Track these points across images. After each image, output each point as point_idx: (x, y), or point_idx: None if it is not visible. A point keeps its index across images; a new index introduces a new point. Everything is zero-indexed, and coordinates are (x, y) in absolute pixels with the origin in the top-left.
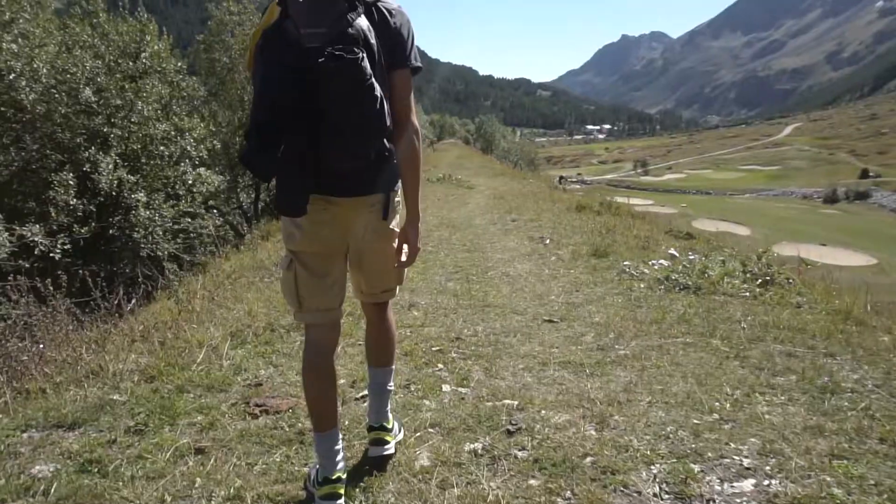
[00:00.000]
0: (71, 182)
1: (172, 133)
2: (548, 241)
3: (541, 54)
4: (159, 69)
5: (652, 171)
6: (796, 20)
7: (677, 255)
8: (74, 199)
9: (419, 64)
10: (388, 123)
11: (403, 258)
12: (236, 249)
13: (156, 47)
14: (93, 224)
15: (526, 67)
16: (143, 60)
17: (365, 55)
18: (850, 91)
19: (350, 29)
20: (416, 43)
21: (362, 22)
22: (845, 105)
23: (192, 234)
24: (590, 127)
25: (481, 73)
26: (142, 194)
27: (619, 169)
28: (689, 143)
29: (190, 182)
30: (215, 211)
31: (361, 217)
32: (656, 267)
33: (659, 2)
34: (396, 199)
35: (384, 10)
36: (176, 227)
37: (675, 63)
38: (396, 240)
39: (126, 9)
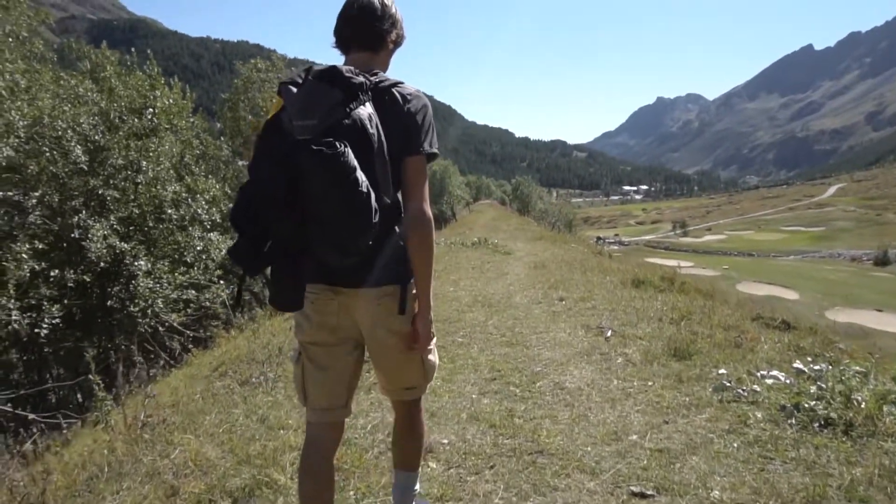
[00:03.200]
0: (24, 255)
1: (184, 195)
2: (609, 333)
3: (576, 116)
4: (167, 125)
5: (691, 231)
6: (834, 81)
7: (804, 368)
8: (56, 271)
9: (434, 150)
10: (375, 219)
11: (411, 346)
12: (252, 322)
13: (167, 102)
14: (66, 301)
15: (561, 129)
16: (149, 117)
17: (348, 149)
18: (893, 151)
19: (346, 120)
20: (433, 128)
21: (363, 111)
22: (889, 165)
23: (201, 306)
24: (626, 187)
25: (517, 135)
26: (143, 262)
27: (658, 230)
28: (729, 203)
29: (199, 248)
30: (233, 277)
31: (369, 310)
32: (769, 382)
33: (694, 65)
34: (412, 292)
35: (398, 95)
36: (182, 297)
37: (711, 124)
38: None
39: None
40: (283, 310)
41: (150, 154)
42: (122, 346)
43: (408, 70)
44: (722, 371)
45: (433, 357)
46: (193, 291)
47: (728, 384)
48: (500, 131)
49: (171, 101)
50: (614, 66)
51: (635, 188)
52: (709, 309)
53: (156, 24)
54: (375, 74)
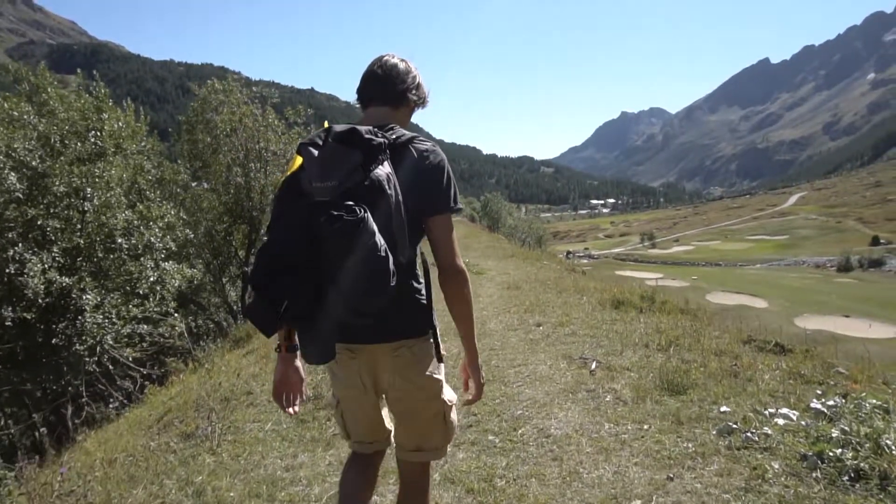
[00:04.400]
0: None
1: (136, 222)
2: (594, 366)
3: (543, 132)
4: (114, 149)
5: (659, 243)
6: (791, 93)
7: (823, 409)
8: None
9: (460, 206)
10: (392, 283)
11: (467, 395)
12: (209, 358)
13: (117, 125)
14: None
15: (528, 145)
16: (92, 140)
17: (368, 214)
18: (850, 160)
19: (365, 181)
20: (453, 181)
21: (381, 171)
22: (847, 173)
23: (156, 341)
24: (594, 201)
25: (485, 151)
26: (91, 295)
27: (626, 242)
28: (695, 214)
29: (153, 279)
30: (193, 307)
31: (387, 363)
32: (780, 423)
33: (656, 80)
34: (429, 343)
35: (415, 151)
36: (137, 331)
37: (674, 137)
38: (433, 388)
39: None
40: (312, 363)
41: (97, 180)
42: (70, 388)
43: None
44: (724, 409)
45: (454, 416)
46: (145, 326)
47: (734, 426)
48: (468, 149)
49: (120, 123)
50: (578, 81)
51: (603, 202)
52: (696, 332)
53: (118, 48)
54: (392, 129)
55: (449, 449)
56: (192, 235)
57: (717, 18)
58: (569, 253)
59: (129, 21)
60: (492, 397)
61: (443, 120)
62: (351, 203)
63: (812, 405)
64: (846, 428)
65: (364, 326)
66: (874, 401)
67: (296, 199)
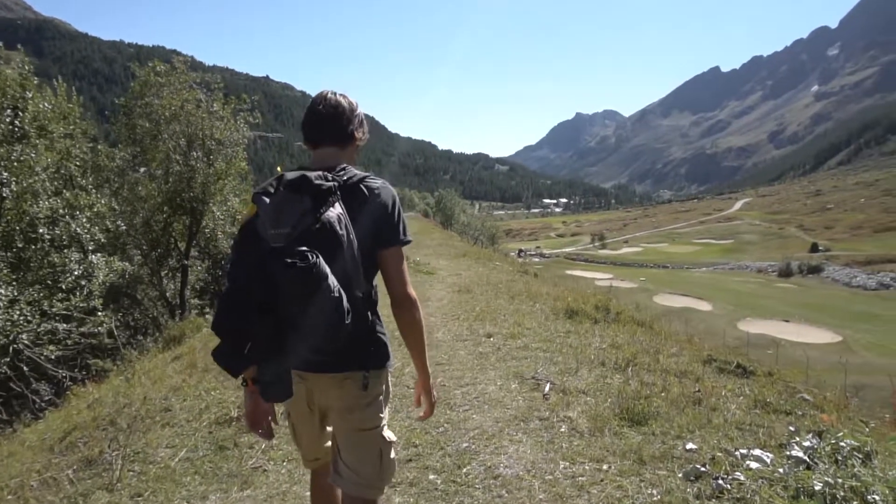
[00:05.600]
0: None
1: (62, 211)
2: (548, 388)
3: (498, 130)
4: (36, 132)
5: (609, 244)
6: (739, 101)
7: (800, 453)
8: None
9: (409, 239)
10: (348, 321)
11: (420, 413)
12: (138, 358)
13: (43, 106)
14: None
15: (484, 143)
16: (7, 121)
17: (320, 259)
18: (793, 168)
19: (316, 225)
20: (402, 216)
21: (332, 213)
22: (790, 181)
23: (78, 341)
24: (547, 200)
25: (440, 147)
26: (4, 290)
27: (577, 242)
28: (644, 216)
29: (77, 272)
30: (126, 301)
31: (333, 392)
32: (754, 467)
33: (611, 82)
34: (379, 378)
35: (366, 190)
36: (56, 329)
37: (627, 140)
38: (374, 420)
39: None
40: (273, 401)
41: (16, 164)
42: None
43: (329, 83)
44: (690, 446)
45: (393, 455)
46: (64, 325)
47: (703, 469)
48: (424, 143)
49: (46, 104)
50: (535, 81)
51: (555, 201)
52: (653, 349)
53: (64, 25)
54: (344, 170)
55: (386, 490)
56: (125, 226)
57: (670, 25)
58: (521, 251)
59: None
60: (436, 424)
61: (399, 114)
62: (304, 249)
63: (792, 453)
64: (830, 480)
65: (319, 360)
66: (852, 441)
67: (254, 245)
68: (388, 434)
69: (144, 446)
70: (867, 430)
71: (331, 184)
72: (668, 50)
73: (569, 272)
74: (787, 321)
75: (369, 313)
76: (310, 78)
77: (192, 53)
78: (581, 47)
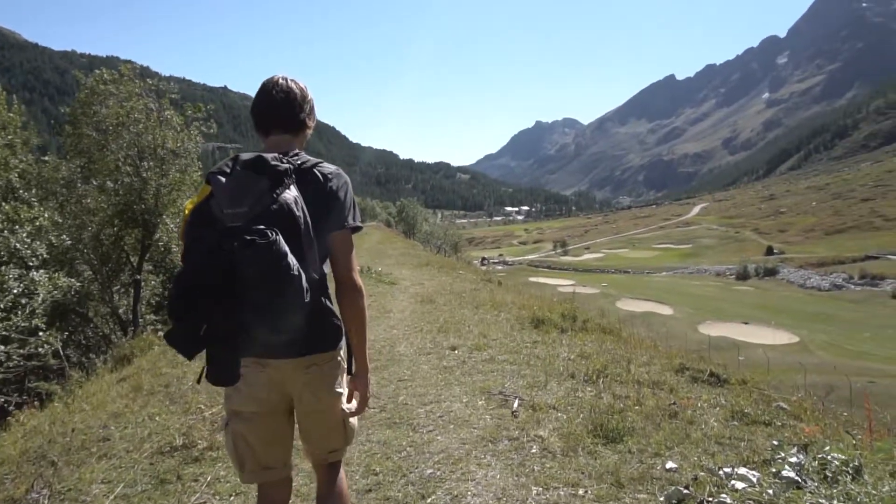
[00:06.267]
0: None
1: None
2: (517, 405)
3: (459, 139)
4: None
5: (571, 250)
6: (694, 109)
7: (791, 473)
8: None
9: (358, 224)
10: (307, 299)
11: (353, 406)
12: (87, 378)
13: None
14: None
15: (445, 151)
16: None
17: (279, 237)
18: (746, 174)
19: (274, 205)
20: (355, 202)
21: (288, 195)
22: (744, 186)
23: (22, 362)
24: (509, 208)
25: (402, 156)
26: None
27: (540, 249)
28: (605, 223)
29: (17, 291)
30: (76, 318)
31: (299, 378)
32: (740, 487)
33: (570, 91)
34: (337, 359)
35: (320, 175)
36: None
37: (586, 147)
38: (341, 399)
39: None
40: (220, 385)
41: None
42: None
43: None
44: (670, 465)
45: (354, 420)
46: (2, 346)
47: (685, 491)
48: (385, 153)
49: None
50: (495, 90)
51: (517, 209)
52: (624, 358)
53: (13, 35)
54: (297, 155)
55: None
56: (70, 241)
57: (626, 35)
58: (484, 259)
59: (26, 7)
60: (398, 448)
61: (361, 124)
62: (262, 227)
63: (783, 473)
64: (823, 502)
65: (279, 343)
66: (839, 455)
67: (207, 227)
68: (347, 405)
69: (77, 482)
70: (854, 442)
71: (287, 166)
72: (624, 58)
73: (532, 279)
74: (746, 323)
75: (325, 297)
76: None
77: (148, 64)
78: (540, 56)
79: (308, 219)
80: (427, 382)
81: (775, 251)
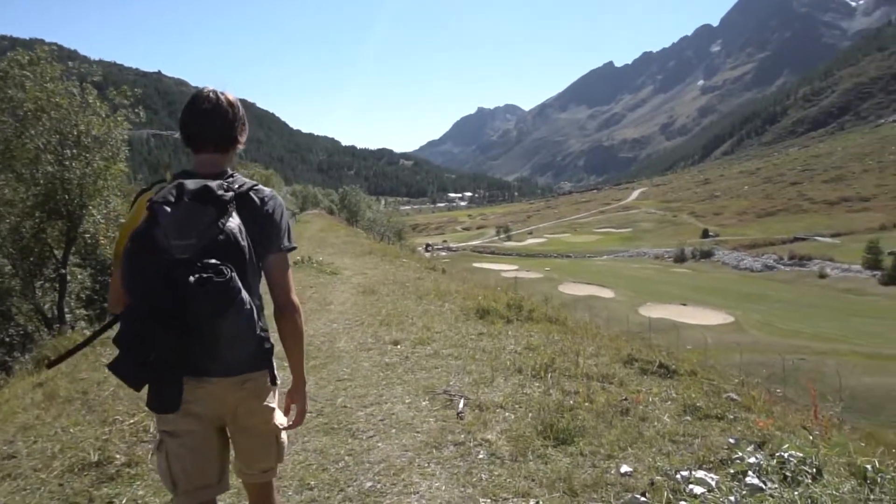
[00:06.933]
0: None
1: None
2: (462, 405)
3: (402, 126)
4: None
5: (514, 236)
6: (632, 95)
7: (754, 480)
8: None
9: (294, 245)
10: (258, 332)
11: (289, 421)
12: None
13: None
14: None
15: (388, 138)
16: None
17: (234, 273)
18: (683, 159)
19: (220, 235)
20: (289, 224)
21: (233, 223)
22: (681, 171)
23: None
24: (452, 195)
25: (344, 143)
26: None
27: (483, 235)
28: (547, 208)
29: None
30: None
31: (233, 395)
32: (698, 492)
33: (511, 77)
34: (265, 374)
35: (257, 199)
36: None
37: (528, 133)
38: (274, 413)
39: None
40: (162, 412)
41: None
42: None
43: (226, 77)
44: (625, 469)
45: (284, 437)
46: None
47: (642, 499)
48: (327, 140)
49: None
50: (437, 77)
51: (461, 195)
52: (571, 350)
53: None
54: (232, 177)
55: None
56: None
57: (566, 21)
58: (428, 246)
59: None
60: (335, 457)
61: (300, 111)
62: (216, 262)
63: (746, 480)
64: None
65: (222, 367)
66: (796, 452)
67: (152, 256)
68: (280, 418)
69: None
70: (810, 437)
71: (231, 194)
72: (564, 45)
73: (476, 265)
74: (684, 305)
75: (259, 318)
76: (205, 74)
77: (76, 47)
78: (481, 43)
79: (250, 244)
80: (368, 382)
81: (711, 234)
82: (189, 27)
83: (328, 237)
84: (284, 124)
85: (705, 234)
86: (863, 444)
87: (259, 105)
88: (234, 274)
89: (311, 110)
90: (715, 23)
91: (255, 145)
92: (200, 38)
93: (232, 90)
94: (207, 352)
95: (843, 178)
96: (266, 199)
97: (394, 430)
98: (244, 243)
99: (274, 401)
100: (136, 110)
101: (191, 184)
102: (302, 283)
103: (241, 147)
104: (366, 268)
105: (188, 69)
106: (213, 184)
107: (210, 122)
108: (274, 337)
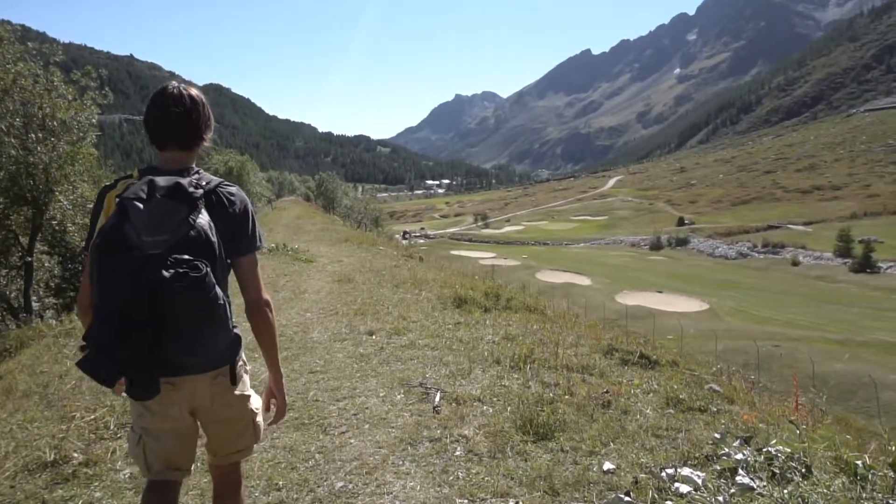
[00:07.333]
0: None
1: None
2: (438, 399)
3: (379, 112)
4: None
5: (492, 223)
6: (609, 83)
7: (744, 478)
8: None
9: (264, 244)
10: (231, 325)
11: (269, 417)
12: None
13: None
14: None
15: (365, 124)
16: None
17: (209, 268)
18: (659, 147)
19: (192, 231)
20: (256, 222)
21: (203, 220)
22: (657, 159)
23: None
24: (429, 182)
25: (321, 129)
26: None
27: (461, 222)
28: (525, 195)
29: None
30: None
31: (206, 390)
32: (685, 490)
33: (489, 64)
34: (240, 364)
35: (224, 197)
36: None
37: (505, 121)
38: (249, 400)
39: None
40: (143, 399)
41: None
42: None
43: (200, 63)
44: (608, 466)
45: (261, 419)
46: None
47: (626, 498)
48: (304, 126)
49: None
50: (415, 63)
51: (438, 182)
52: (551, 341)
53: None
54: (199, 174)
55: None
56: None
57: (543, 10)
58: (405, 233)
59: None
60: (305, 455)
61: (276, 96)
62: (190, 258)
63: (737, 479)
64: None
65: (195, 363)
66: (784, 448)
67: (124, 252)
68: (255, 402)
69: None
70: (797, 431)
71: (201, 191)
72: (542, 32)
73: (454, 252)
74: (660, 292)
75: (231, 313)
76: (178, 56)
77: (44, 29)
78: (459, 30)
79: (220, 242)
80: (341, 374)
81: (686, 222)
82: (163, 11)
83: (304, 224)
84: (260, 110)
85: (681, 221)
86: (849, 437)
87: (234, 90)
88: (209, 269)
89: (287, 96)
90: (691, 12)
91: (231, 131)
92: (174, 22)
93: (206, 75)
94: (181, 349)
95: (815, 167)
96: (232, 196)
97: (367, 426)
98: (214, 239)
99: (247, 387)
100: (103, 91)
101: (162, 181)
102: (276, 271)
103: (206, 144)
104: (342, 255)
105: (161, 53)
106: (184, 181)
107: (174, 120)
108: (244, 327)
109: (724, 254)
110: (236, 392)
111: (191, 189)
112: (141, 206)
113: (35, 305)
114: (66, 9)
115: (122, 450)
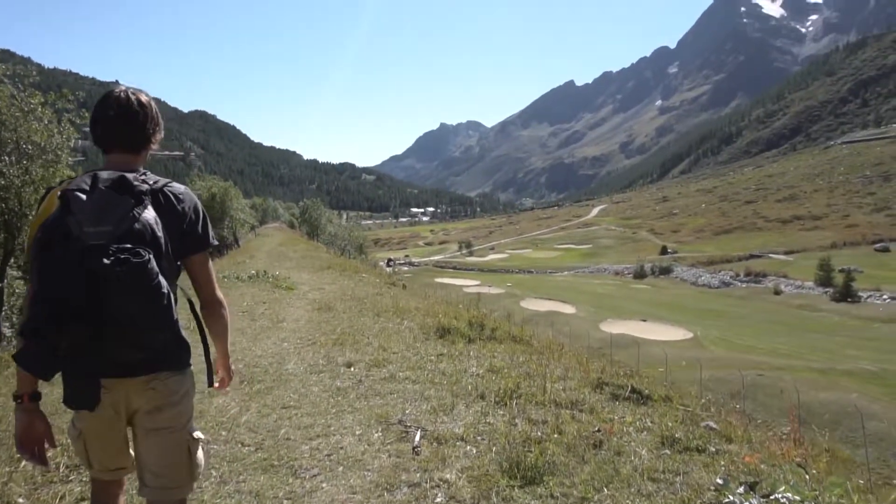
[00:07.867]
0: None
1: None
2: (418, 438)
3: (364, 140)
4: None
5: (476, 251)
6: (593, 114)
7: None
8: None
9: (215, 242)
10: (175, 317)
11: (217, 382)
12: None
13: None
14: None
15: (350, 152)
16: None
17: (151, 256)
18: (641, 177)
19: (136, 224)
20: (208, 220)
21: (149, 215)
22: (640, 189)
23: None
24: (414, 209)
25: (306, 157)
26: None
27: (446, 250)
28: (509, 224)
29: None
30: None
31: (141, 395)
32: None
33: (473, 94)
34: (183, 377)
35: (171, 196)
36: None
37: (490, 150)
38: (186, 420)
39: None
40: (80, 408)
41: None
42: None
43: (185, 88)
44: None
45: (201, 454)
46: None
47: None
48: (289, 153)
49: None
50: (400, 92)
51: (423, 210)
52: (538, 374)
53: None
54: (146, 175)
55: None
56: None
57: (528, 41)
58: (390, 260)
59: None
60: (273, 501)
61: (262, 124)
62: (132, 246)
63: None
64: None
65: (135, 360)
66: (793, 496)
67: (64, 244)
68: (197, 433)
69: None
70: (806, 476)
71: (146, 186)
72: (526, 64)
73: (438, 280)
74: (644, 320)
75: (175, 309)
76: (164, 83)
77: (28, 55)
78: (444, 60)
79: (167, 239)
80: (316, 409)
81: (669, 250)
82: (149, 38)
83: (287, 251)
84: (246, 137)
85: (664, 250)
86: (861, 482)
87: (219, 117)
88: (152, 257)
89: (273, 124)
90: (672, 45)
91: (215, 157)
92: (160, 49)
93: (192, 102)
94: (121, 340)
95: (795, 197)
96: (181, 196)
97: (341, 468)
98: (160, 234)
99: (189, 407)
100: (81, 112)
101: (106, 174)
102: (255, 298)
103: (154, 147)
104: (323, 283)
105: (146, 80)
106: (129, 175)
107: (119, 123)
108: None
109: (707, 282)
110: (175, 404)
111: (136, 183)
112: (83, 196)
113: (7, 332)
114: (51, 35)
115: (72, 495)
